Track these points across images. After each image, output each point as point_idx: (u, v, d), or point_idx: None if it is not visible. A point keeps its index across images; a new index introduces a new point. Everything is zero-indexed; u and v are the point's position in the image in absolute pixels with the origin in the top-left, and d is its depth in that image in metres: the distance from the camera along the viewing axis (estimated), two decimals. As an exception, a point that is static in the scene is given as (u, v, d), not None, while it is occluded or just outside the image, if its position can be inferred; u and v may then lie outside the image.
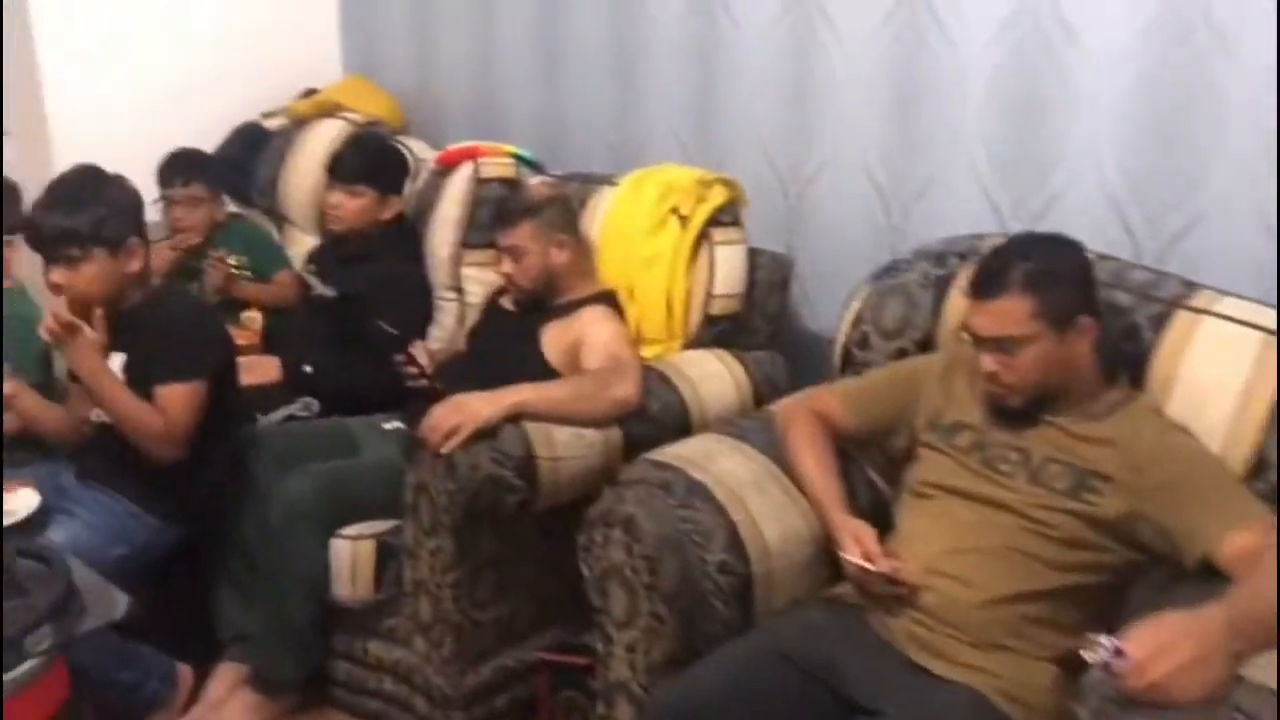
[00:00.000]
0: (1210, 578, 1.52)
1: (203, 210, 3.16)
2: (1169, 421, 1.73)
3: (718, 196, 2.48)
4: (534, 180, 2.86)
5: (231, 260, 3.00)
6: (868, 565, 1.70)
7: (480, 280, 2.90)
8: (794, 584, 1.87)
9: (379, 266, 2.88)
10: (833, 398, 2.03)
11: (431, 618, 2.18)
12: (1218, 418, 1.70)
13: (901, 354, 2.09)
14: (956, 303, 2.00)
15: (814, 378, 2.63)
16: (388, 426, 2.55)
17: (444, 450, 2.06)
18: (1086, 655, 1.40)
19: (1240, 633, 1.34)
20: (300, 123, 3.55)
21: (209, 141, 3.55)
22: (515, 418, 2.12)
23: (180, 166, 3.19)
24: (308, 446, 2.47)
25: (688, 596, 1.79)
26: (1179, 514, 1.61)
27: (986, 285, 1.74)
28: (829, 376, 2.70)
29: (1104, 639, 1.37)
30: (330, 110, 3.54)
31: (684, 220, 2.45)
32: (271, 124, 3.62)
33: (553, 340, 2.45)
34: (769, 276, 2.51)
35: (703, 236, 2.45)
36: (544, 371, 2.41)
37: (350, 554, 2.24)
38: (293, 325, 2.95)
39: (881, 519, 1.86)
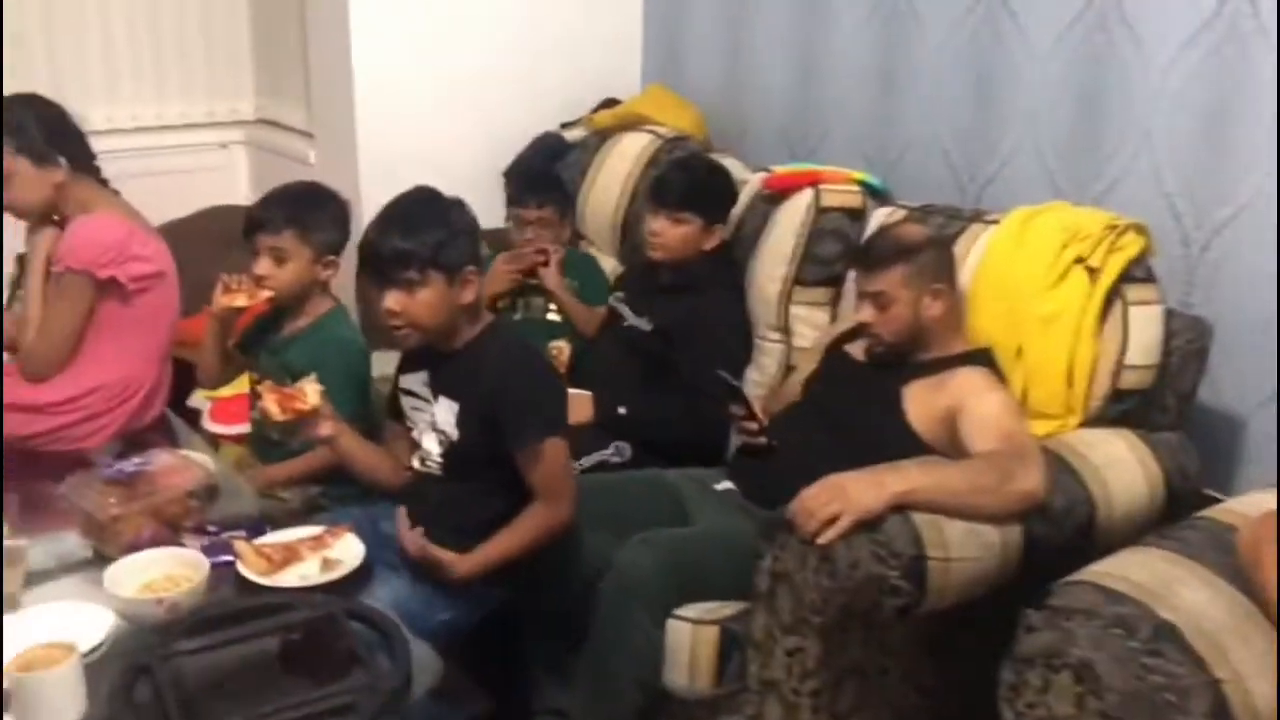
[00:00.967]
0: None
1: (551, 233, 3.00)
2: None
3: (1131, 246, 2.09)
4: (882, 211, 2.53)
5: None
6: None
7: (811, 322, 2.60)
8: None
9: (697, 300, 2.62)
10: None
11: (781, 725, 1.89)
12: None
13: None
14: None
15: (1221, 467, 2.22)
16: (719, 488, 2.27)
17: (821, 541, 1.76)
18: None
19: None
20: (602, 134, 3.35)
21: (507, 150, 3.41)
22: (900, 507, 1.80)
23: (538, 185, 3.08)
24: (632, 505, 2.23)
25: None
26: None
27: None
28: (1241, 468, 2.28)
29: None
30: (634, 122, 3.32)
31: (1093, 273, 2.07)
32: (571, 135, 3.43)
33: (919, 404, 2.12)
34: (1186, 345, 2.09)
35: (1114, 294, 2.06)
36: (910, 442, 2.08)
37: (690, 639, 1.97)
38: (599, 359, 2.72)
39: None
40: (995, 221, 2.31)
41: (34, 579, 1.86)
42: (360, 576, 1.90)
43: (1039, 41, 2.48)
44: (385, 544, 2.04)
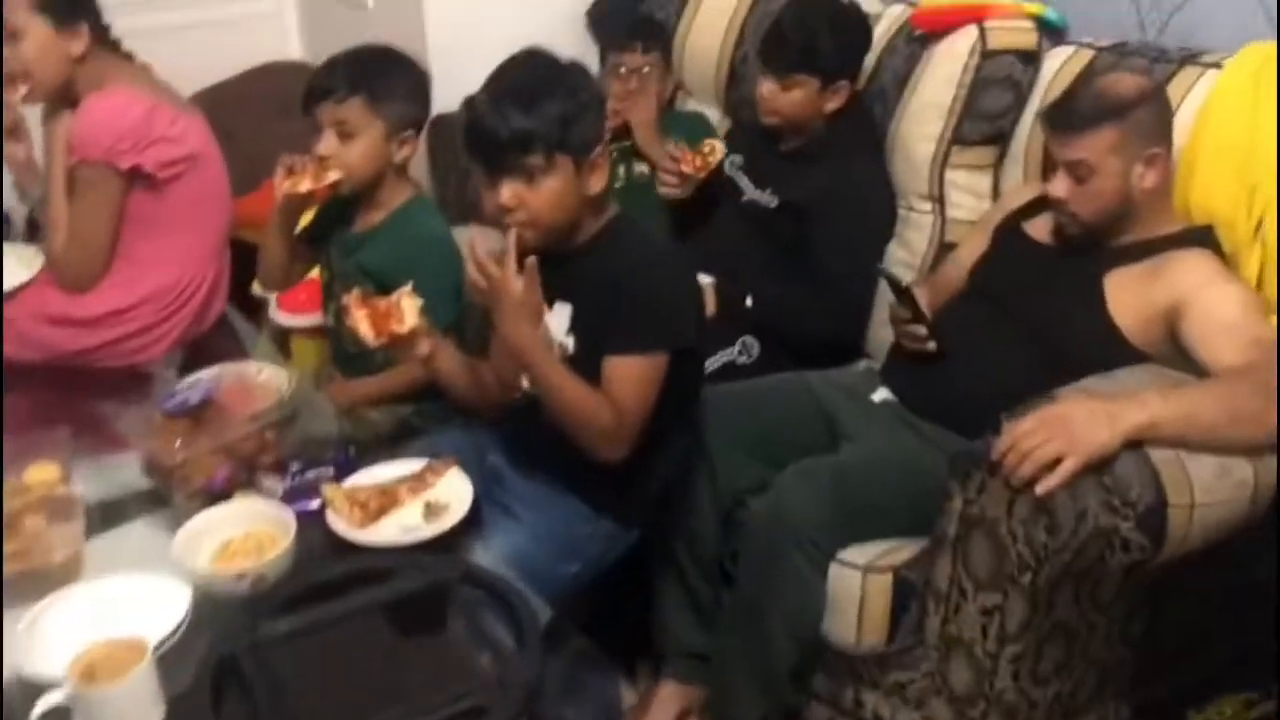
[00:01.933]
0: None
1: (653, 86, 2.57)
2: None
3: None
4: (1060, 52, 2.09)
5: (703, 154, 2.33)
6: None
7: (971, 189, 2.19)
8: None
9: (832, 167, 2.22)
10: None
11: (971, 689, 1.60)
12: None
13: None
14: None
15: None
16: (876, 398, 1.93)
17: (1041, 490, 1.43)
18: None
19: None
20: (697, -34, 2.88)
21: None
22: (1138, 442, 1.45)
23: (640, 28, 2.64)
24: (775, 423, 1.90)
25: None
26: None
27: None
28: None
29: None
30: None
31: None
32: (663, -37, 2.96)
33: (1127, 297, 1.74)
34: None
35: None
36: (1115, 344, 1.72)
37: (860, 589, 1.67)
38: (718, 239, 2.34)
39: None
40: (1216, 65, 1.86)
41: (97, 517, 1.60)
42: (471, 524, 1.61)
43: None
44: (496, 480, 1.75)
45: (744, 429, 1.88)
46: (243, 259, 2.29)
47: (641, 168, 2.67)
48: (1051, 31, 2.15)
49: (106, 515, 1.63)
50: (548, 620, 1.43)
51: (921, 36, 2.22)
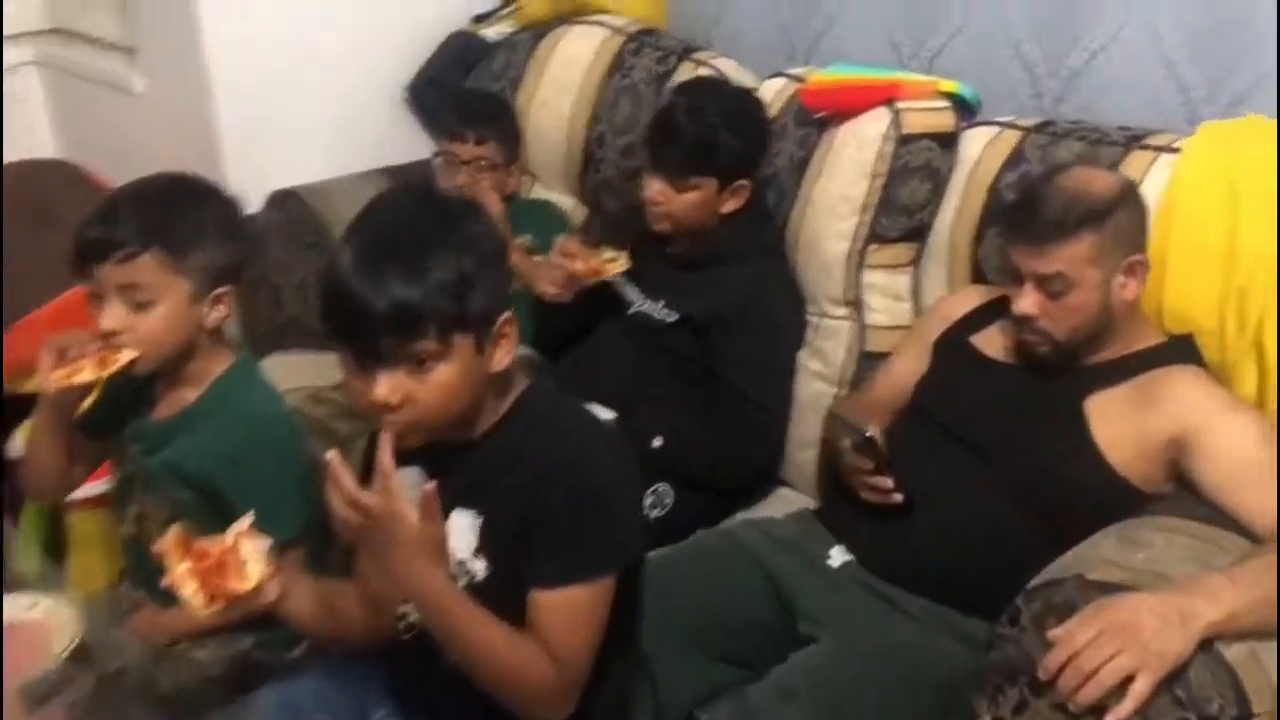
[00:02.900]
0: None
1: (493, 179, 2.25)
2: None
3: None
4: (979, 134, 1.85)
5: (601, 260, 1.99)
6: None
7: (891, 291, 1.92)
8: None
9: (734, 274, 1.91)
10: None
11: None
12: None
13: None
14: None
15: None
16: (834, 563, 1.60)
17: (1114, 718, 1.13)
18: None
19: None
20: (534, 30, 2.53)
21: (408, 59, 2.56)
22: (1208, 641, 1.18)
23: (474, 114, 2.29)
24: (719, 607, 1.55)
25: None
26: None
27: None
28: None
29: None
30: (575, 11, 2.51)
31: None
32: (491, 32, 2.59)
33: (1114, 425, 1.50)
34: None
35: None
36: (1107, 482, 1.48)
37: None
38: (608, 361, 1.97)
39: None
40: (1169, 149, 1.65)
41: None
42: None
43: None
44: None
45: (682, 621, 1.52)
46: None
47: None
48: (965, 109, 1.91)
49: None
50: None
51: (819, 119, 1.94)
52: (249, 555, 1.18)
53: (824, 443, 1.88)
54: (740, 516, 1.89)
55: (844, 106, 1.90)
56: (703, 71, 2.21)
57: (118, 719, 1.32)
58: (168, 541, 1.19)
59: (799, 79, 2.05)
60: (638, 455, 1.76)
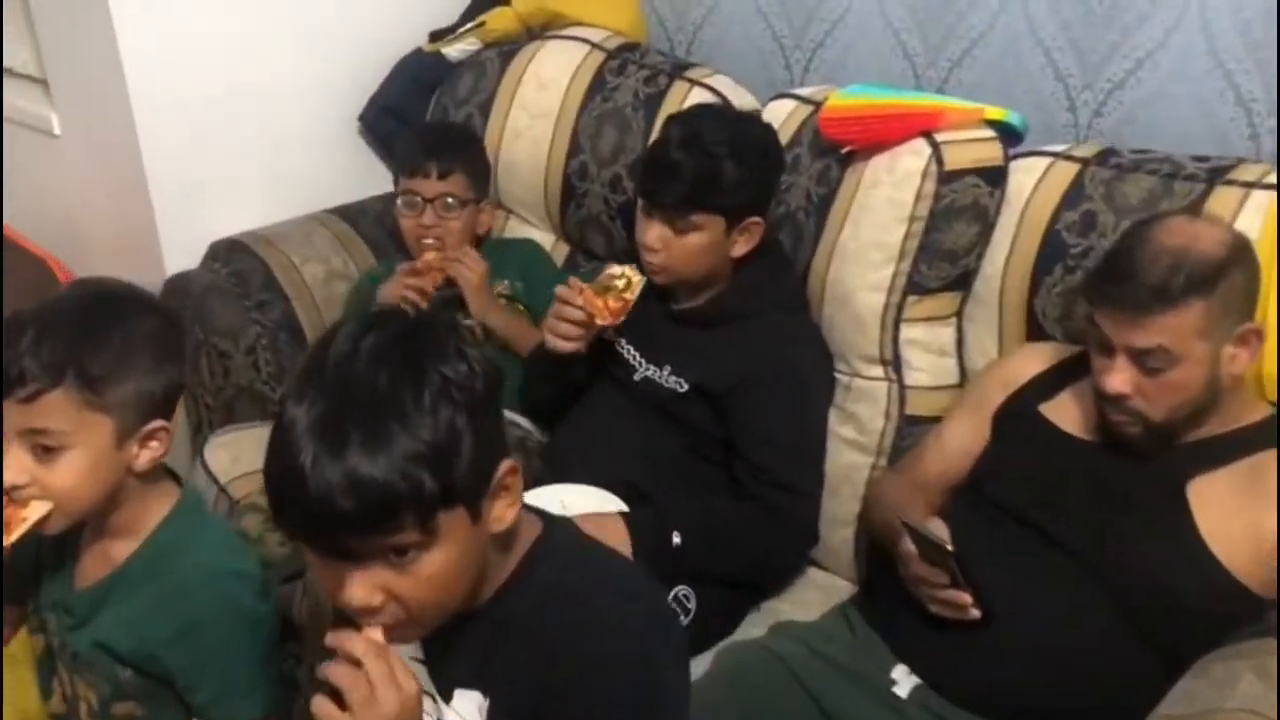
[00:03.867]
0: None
1: (463, 218, 2.00)
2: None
3: None
4: (1026, 165, 1.62)
5: (617, 291, 1.67)
6: None
7: (934, 346, 1.69)
8: None
9: (749, 333, 1.67)
10: None
11: None
12: None
13: None
14: None
15: None
16: (901, 690, 1.36)
17: None
18: None
19: None
20: (501, 48, 2.26)
21: (361, 85, 2.28)
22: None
23: (436, 145, 2.03)
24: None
25: None
26: None
27: None
28: None
29: None
30: (545, 23, 2.25)
31: None
32: (452, 51, 2.32)
33: (1220, 516, 1.29)
34: None
35: None
36: (1216, 583, 1.27)
37: None
38: (608, 428, 1.71)
39: None
40: (1259, 184, 1.43)
41: None
42: None
43: None
44: None
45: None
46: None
47: (469, 323, 2.04)
48: (1013, 136, 1.67)
49: None
50: None
51: (843, 153, 1.70)
52: None
53: (863, 521, 1.66)
54: (768, 607, 1.67)
55: (874, 139, 1.66)
56: (697, 92, 1.96)
57: None
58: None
59: (811, 101, 1.81)
60: (654, 554, 1.54)
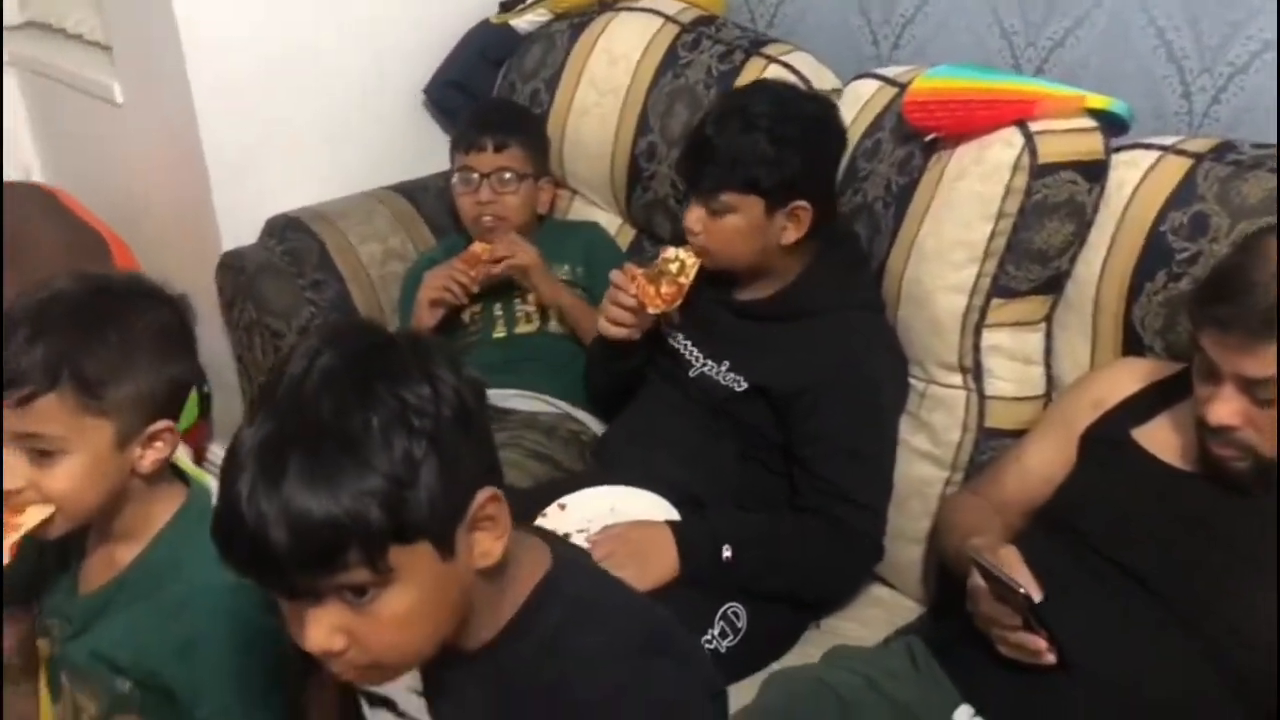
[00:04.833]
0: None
1: (520, 194, 1.93)
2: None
3: None
4: (1130, 159, 1.46)
5: (671, 276, 1.58)
6: None
7: (1020, 353, 1.55)
8: None
9: (814, 330, 1.55)
10: None
11: None
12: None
13: None
14: None
15: None
16: (965, 733, 1.25)
17: None
18: None
19: None
20: (571, 20, 2.16)
21: (426, 60, 2.19)
22: None
23: (491, 118, 1.98)
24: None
25: None
26: None
27: None
28: None
29: None
30: (616, -3, 2.14)
31: None
32: (522, 23, 2.22)
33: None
34: None
35: None
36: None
37: None
38: (661, 428, 1.61)
39: None
40: None
41: None
42: None
43: None
44: None
45: None
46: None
47: (527, 308, 1.96)
48: (1116, 126, 1.51)
49: None
50: None
51: (927, 140, 1.56)
52: None
53: (933, 543, 1.54)
54: (827, 625, 1.56)
55: (962, 126, 1.51)
56: (773, 69, 1.83)
57: None
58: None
59: (896, 83, 1.67)
60: (702, 568, 1.44)
